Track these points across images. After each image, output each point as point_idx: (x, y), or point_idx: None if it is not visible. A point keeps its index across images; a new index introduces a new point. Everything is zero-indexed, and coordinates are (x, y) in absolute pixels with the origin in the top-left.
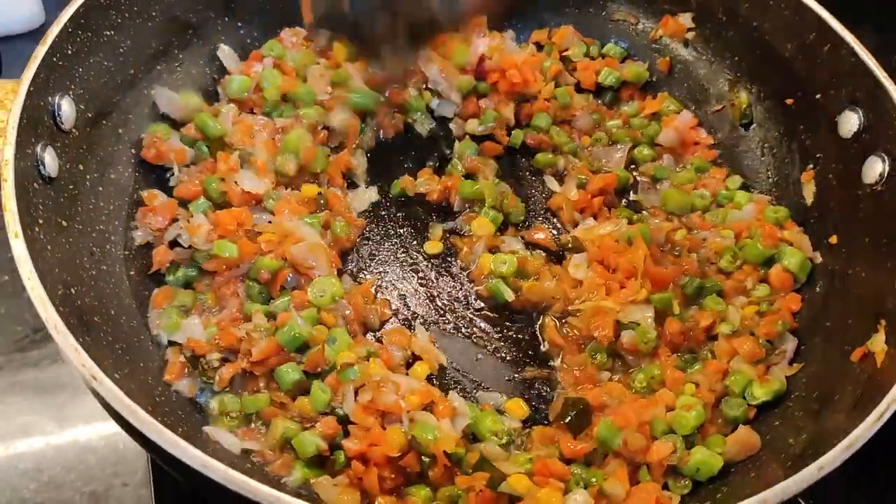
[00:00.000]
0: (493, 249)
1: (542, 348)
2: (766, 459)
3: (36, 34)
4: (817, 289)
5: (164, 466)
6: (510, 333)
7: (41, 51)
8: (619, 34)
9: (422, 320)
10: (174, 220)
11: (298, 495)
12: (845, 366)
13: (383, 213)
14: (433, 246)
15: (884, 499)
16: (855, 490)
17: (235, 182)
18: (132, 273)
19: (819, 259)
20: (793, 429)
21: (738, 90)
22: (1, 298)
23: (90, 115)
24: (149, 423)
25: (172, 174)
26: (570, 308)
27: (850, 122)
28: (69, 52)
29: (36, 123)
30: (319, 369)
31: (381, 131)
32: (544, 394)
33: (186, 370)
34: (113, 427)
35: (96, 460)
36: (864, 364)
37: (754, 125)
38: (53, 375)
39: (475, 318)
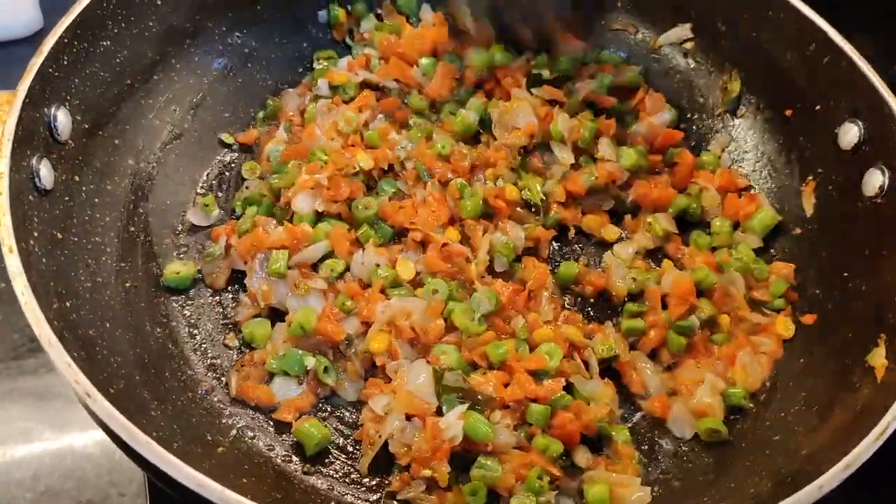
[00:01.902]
0: None
1: None
2: (766, 477)
3: (34, 40)
4: (817, 302)
5: (159, 484)
6: None
7: (37, 62)
8: (617, 43)
9: None
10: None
11: None
12: (845, 381)
13: None
14: None
15: None
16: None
17: None
18: (127, 285)
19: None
20: (792, 445)
21: (733, 76)
22: None
23: (86, 127)
24: (144, 443)
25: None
26: None
27: (850, 134)
28: (65, 62)
29: (32, 135)
30: None
31: None
32: None
33: None
34: None
35: (93, 469)
36: (864, 378)
37: (755, 137)
38: (50, 383)
39: None
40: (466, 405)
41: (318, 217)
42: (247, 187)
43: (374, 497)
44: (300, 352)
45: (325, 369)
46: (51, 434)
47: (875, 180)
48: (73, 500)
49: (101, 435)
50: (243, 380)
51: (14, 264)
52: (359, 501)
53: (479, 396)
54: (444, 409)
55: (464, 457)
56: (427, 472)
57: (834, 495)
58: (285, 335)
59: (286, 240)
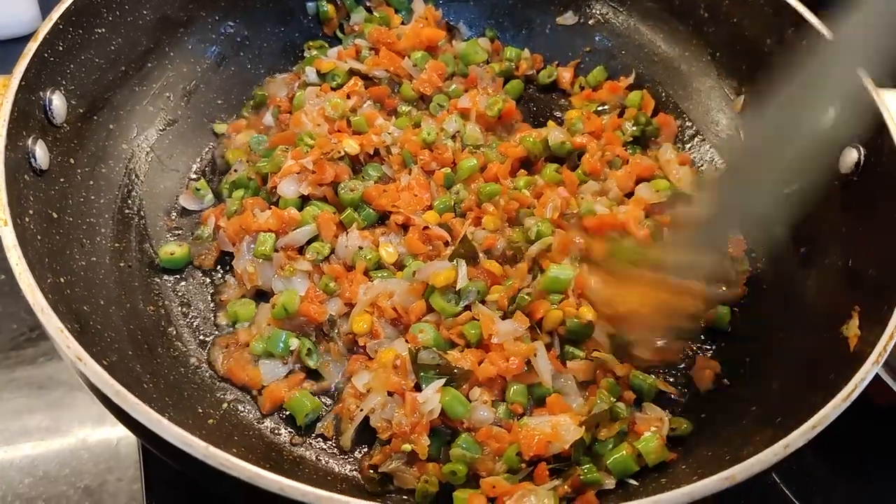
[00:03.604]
0: None
1: None
2: (742, 444)
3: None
4: (796, 277)
5: (150, 447)
6: None
7: (32, 47)
8: (602, 30)
9: None
10: None
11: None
12: (821, 352)
13: None
14: None
15: (861, 478)
16: (830, 470)
17: None
18: (121, 265)
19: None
20: (769, 413)
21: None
22: None
23: (81, 111)
24: (133, 403)
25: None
26: None
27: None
28: (60, 48)
29: (27, 117)
30: None
31: None
32: None
33: None
34: (107, 423)
35: (90, 456)
36: (839, 349)
37: (735, 120)
38: (49, 373)
39: None
40: (444, 380)
41: (304, 200)
42: (235, 170)
43: (360, 467)
44: (284, 333)
45: (308, 351)
46: (49, 422)
47: (850, 158)
48: (70, 486)
49: (98, 423)
50: (228, 359)
51: (9, 237)
52: (345, 471)
53: (456, 371)
54: (422, 385)
55: (447, 430)
56: (407, 447)
57: (808, 457)
58: (268, 317)
59: (273, 223)
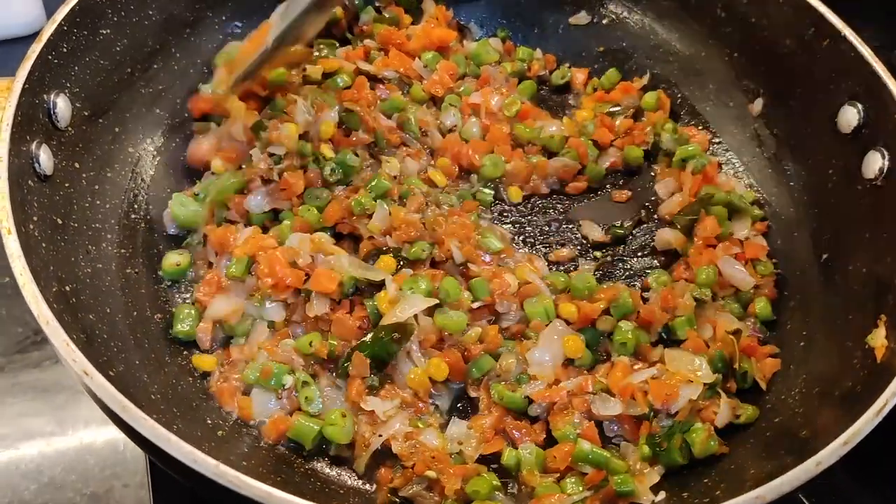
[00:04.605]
0: None
1: None
2: (766, 458)
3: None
4: (817, 285)
5: (157, 463)
6: None
7: (36, 48)
8: (616, 30)
9: None
10: None
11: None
12: (845, 361)
13: None
14: None
15: (890, 495)
16: (860, 485)
17: None
18: (128, 272)
19: None
20: (792, 425)
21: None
22: (1, 300)
23: (86, 114)
24: (140, 419)
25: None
26: None
27: (849, 118)
28: (64, 50)
29: (31, 121)
30: None
31: None
32: None
33: None
34: (113, 428)
35: (96, 461)
36: (864, 360)
37: (754, 121)
38: (54, 376)
39: None
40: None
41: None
42: (213, 172)
43: (373, 484)
44: (278, 367)
45: (304, 384)
46: (55, 427)
47: (875, 163)
48: (76, 493)
49: (104, 428)
50: (221, 380)
51: (13, 246)
52: (357, 484)
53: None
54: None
55: None
56: (432, 474)
57: (838, 473)
58: (262, 341)
59: (249, 249)
